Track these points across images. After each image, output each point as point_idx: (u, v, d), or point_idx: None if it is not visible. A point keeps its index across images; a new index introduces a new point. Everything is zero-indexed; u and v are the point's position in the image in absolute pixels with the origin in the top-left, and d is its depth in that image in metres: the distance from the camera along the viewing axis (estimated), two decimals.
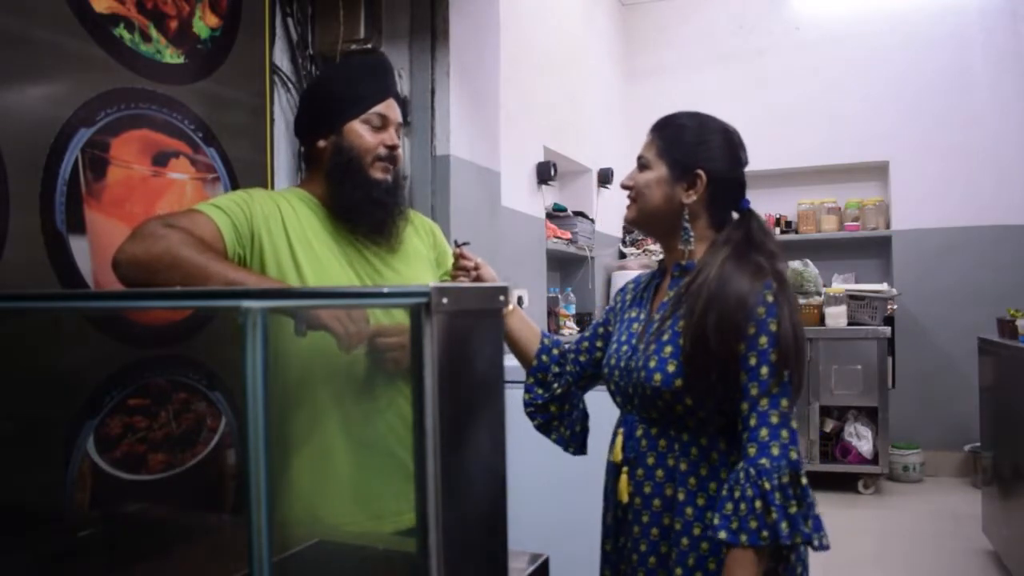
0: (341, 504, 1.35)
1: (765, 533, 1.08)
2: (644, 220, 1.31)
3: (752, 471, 1.10)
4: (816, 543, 1.11)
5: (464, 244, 1.46)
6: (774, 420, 1.13)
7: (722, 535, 1.10)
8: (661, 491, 1.22)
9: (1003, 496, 3.20)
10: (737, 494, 1.10)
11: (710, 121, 1.30)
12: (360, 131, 1.38)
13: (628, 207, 1.33)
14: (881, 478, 4.61)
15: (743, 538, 1.08)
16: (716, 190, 1.27)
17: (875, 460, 4.49)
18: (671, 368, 1.18)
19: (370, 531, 1.33)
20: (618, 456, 1.28)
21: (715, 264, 1.20)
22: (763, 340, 1.15)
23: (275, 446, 0.69)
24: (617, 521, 1.30)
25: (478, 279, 1.41)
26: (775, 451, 1.11)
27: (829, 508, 4.54)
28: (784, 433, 1.12)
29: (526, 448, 1.48)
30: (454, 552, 0.65)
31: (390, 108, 1.42)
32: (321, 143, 1.40)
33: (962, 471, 4.78)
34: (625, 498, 1.26)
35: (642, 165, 1.30)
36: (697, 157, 1.26)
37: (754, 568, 1.09)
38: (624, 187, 1.33)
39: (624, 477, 1.26)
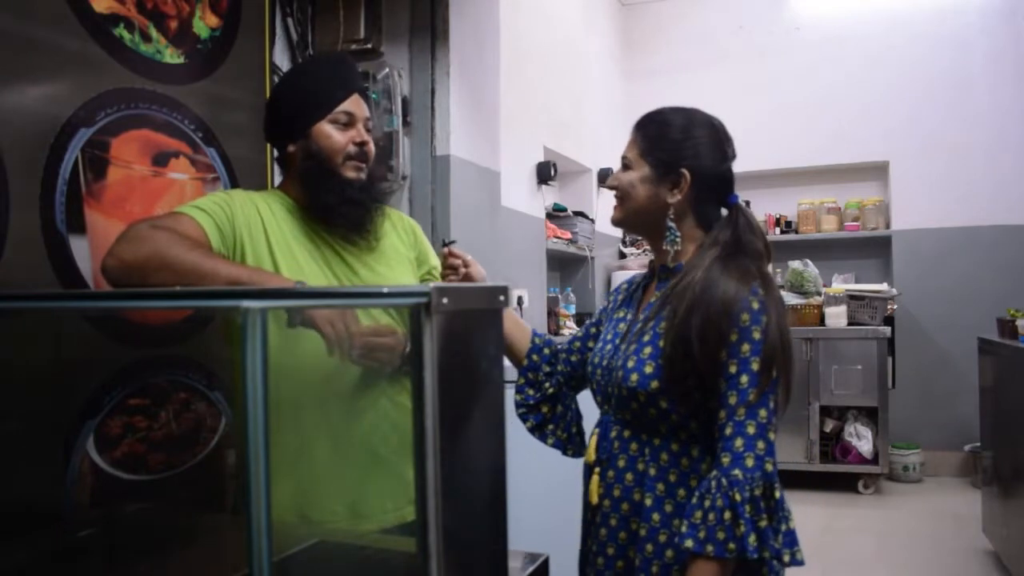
0: (331, 503, 1.35)
1: (732, 545, 1.04)
2: (630, 220, 1.29)
3: (724, 481, 1.07)
4: (787, 559, 1.07)
5: (451, 243, 1.44)
6: (751, 431, 1.09)
7: (688, 543, 1.06)
8: (630, 495, 1.19)
9: (1003, 496, 3.20)
10: (707, 503, 1.07)
11: (696, 115, 1.26)
12: (328, 132, 1.36)
13: (615, 208, 1.31)
14: (881, 478, 4.61)
15: (709, 548, 1.04)
16: (701, 188, 1.23)
17: (875, 460, 4.49)
18: (648, 369, 1.16)
19: (364, 530, 1.33)
20: (591, 456, 1.24)
21: (702, 267, 1.17)
22: (745, 348, 1.11)
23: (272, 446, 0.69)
24: (585, 523, 1.27)
25: (467, 278, 1.36)
26: (749, 462, 1.07)
27: (829, 508, 4.57)
28: (760, 444, 1.08)
29: (526, 448, 1.48)
30: (454, 552, 0.65)
31: (356, 104, 1.40)
32: (291, 147, 1.39)
33: (962, 471, 4.78)
34: (595, 499, 1.22)
35: (625, 165, 1.28)
36: (681, 155, 1.22)
37: None
38: (610, 188, 1.30)
39: (595, 478, 1.23)
